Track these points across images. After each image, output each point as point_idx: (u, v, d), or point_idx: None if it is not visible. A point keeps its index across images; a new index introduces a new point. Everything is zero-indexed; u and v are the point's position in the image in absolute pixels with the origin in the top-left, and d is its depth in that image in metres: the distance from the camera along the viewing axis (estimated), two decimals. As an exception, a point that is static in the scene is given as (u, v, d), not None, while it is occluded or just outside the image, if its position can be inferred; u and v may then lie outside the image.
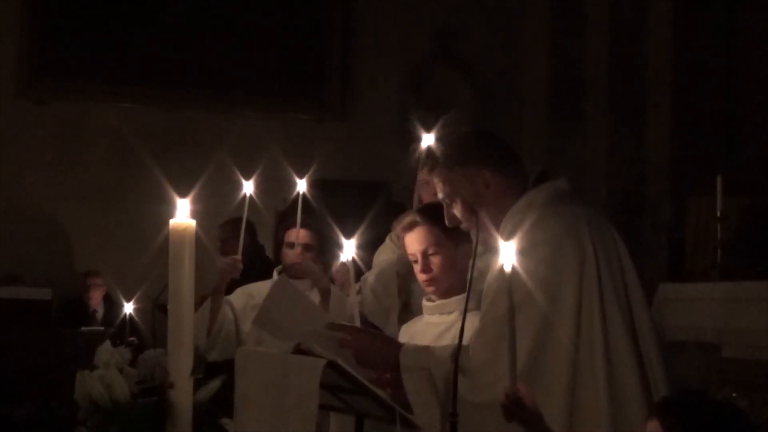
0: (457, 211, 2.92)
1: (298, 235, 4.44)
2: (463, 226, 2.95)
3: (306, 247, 4.74)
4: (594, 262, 2.71)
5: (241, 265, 4.45)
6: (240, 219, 4.65)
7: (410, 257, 3.28)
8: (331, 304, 4.28)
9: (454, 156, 2.92)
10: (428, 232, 3.19)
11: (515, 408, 2.22)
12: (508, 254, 2.25)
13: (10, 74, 9.18)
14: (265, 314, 2.89)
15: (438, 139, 3.31)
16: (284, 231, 4.87)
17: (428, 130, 3.78)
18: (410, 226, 3.23)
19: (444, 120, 4.30)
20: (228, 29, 9.60)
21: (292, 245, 4.77)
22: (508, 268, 2.24)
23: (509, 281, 2.26)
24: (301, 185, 4.21)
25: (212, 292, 4.45)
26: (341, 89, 9.86)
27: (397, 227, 3.30)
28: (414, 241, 3.22)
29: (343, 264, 4.43)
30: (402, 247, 3.45)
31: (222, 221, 7.16)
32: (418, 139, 4.01)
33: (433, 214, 3.21)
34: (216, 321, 4.42)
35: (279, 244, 4.88)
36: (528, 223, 2.76)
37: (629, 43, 9.07)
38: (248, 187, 4.45)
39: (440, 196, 2.96)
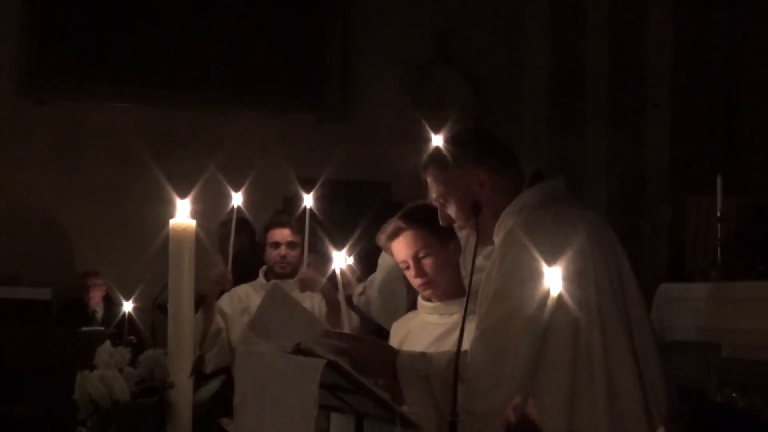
0: (451, 210, 2.89)
1: (302, 251, 4.42)
2: (458, 225, 2.93)
3: (290, 245, 4.79)
4: (591, 263, 2.69)
5: (230, 277, 4.47)
6: (240, 219, 4.64)
7: (401, 264, 3.24)
8: (343, 318, 4.28)
9: (448, 155, 2.89)
10: (415, 235, 3.16)
11: (521, 423, 2.20)
12: (554, 280, 2.19)
13: (10, 74, 9.18)
14: (258, 320, 2.88)
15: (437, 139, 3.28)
16: (266, 231, 4.90)
17: (434, 130, 3.77)
18: (396, 233, 3.19)
19: (451, 121, 4.28)
20: (228, 29, 9.60)
21: (275, 245, 4.82)
22: (554, 293, 2.18)
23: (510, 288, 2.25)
24: (308, 200, 4.17)
25: (204, 302, 4.47)
26: (341, 89, 9.86)
27: (382, 237, 3.24)
28: (403, 247, 3.18)
29: (349, 266, 4.45)
30: (391, 256, 3.39)
31: (222, 221, 7.16)
32: (424, 140, 3.99)
33: (416, 216, 3.19)
34: (208, 331, 4.43)
35: (263, 244, 4.91)
36: (523, 225, 2.74)
37: (629, 43, 9.07)
38: (237, 199, 4.43)
39: (433, 195, 2.93)
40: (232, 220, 6.84)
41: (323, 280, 4.50)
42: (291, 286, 4.68)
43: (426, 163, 2.93)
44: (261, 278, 4.89)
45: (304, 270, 4.40)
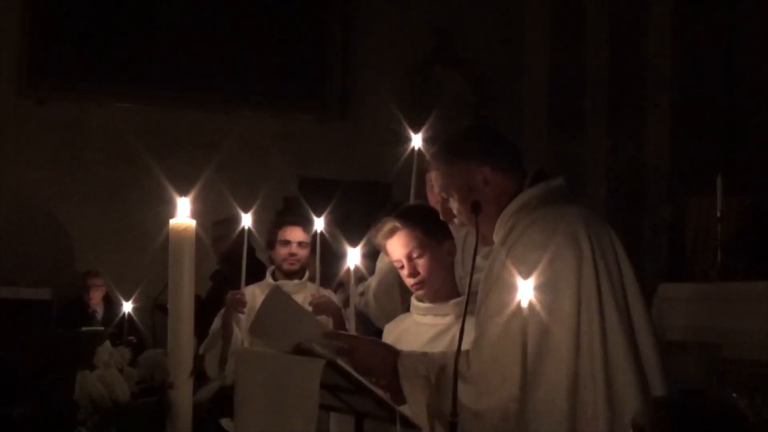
0: (453, 206, 2.88)
1: (315, 268, 4.41)
2: (457, 221, 2.92)
3: (300, 244, 4.82)
4: (592, 264, 2.68)
5: (245, 300, 4.48)
6: (232, 218, 4.63)
7: (395, 264, 3.26)
8: (350, 319, 4.28)
9: (455, 150, 2.88)
10: (409, 234, 3.17)
11: None
12: (525, 292, 2.20)
13: (10, 74, 9.19)
14: (259, 323, 2.88)
15: (440, 134, 3.26)
16: (277, 229, 4.91)
17: (434, 131, 3.76)
18: (391, 232, 3.20)
19: (432, 120, 4.28)
20: (228, 29, 9.60)
21: (285, 243, 4.84)
22: (524, 304, 2.20)
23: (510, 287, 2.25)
24: (319, 224, 4.17)
25: (222, 326, 4.49)
26: (341, 89, 9.87)
27: (377, 236, 3.25)
28: (397, 246, 3.19)
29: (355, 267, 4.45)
30: (386, 254, 3.40)
31: (215, 220, 7.16)
32: (409, 140, 4.02)
33: (411, 216, 3.21)
34: (227, 352, 4.44)
35: (272, 242, 4.91)
36: (523, 225, 2.73)
37: (629, 43, 9.07)
38: (246, 220, 4.43)
39: (437, 189, 2.92)
40: (223, 220, 6.84)
41: (336, 304, 4.52)
42: (296, 287, 4.70)
43: (432, 157, 2.92)
44: (269, 278, 4.89)
45: (316, 294, 4.40)
